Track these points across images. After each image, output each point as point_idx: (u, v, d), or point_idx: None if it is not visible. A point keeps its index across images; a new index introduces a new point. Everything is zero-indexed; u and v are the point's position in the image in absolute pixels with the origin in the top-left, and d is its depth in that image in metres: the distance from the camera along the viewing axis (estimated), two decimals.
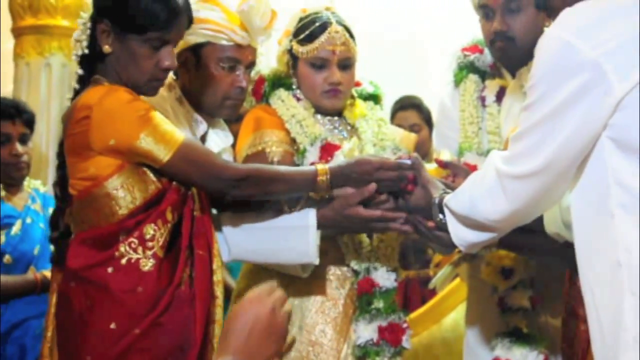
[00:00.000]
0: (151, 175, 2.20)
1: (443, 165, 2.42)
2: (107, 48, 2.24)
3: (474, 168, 2.63)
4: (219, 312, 2.25)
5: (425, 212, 2.19)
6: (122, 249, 2.15)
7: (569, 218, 1.88)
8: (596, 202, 1.69)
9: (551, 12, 1.86)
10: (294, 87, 2.75)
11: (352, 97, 2.80)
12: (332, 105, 2.72)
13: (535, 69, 1.74)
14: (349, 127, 2.78)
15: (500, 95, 2.77)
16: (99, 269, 2.15)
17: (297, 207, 2.45)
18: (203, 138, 2.59)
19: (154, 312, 2.12)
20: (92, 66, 2.28)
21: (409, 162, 2.35)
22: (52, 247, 2.41)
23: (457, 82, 2.85)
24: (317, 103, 2.73)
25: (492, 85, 2.78)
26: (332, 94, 2.69)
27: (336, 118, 2.77)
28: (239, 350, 1.52)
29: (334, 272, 2.66)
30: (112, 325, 2.11)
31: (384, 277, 2.62)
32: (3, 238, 3.04)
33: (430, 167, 2.39)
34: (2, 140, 3.13)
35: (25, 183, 3.27)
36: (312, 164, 2.54)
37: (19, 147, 3.15)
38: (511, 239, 2.09)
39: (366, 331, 2.56)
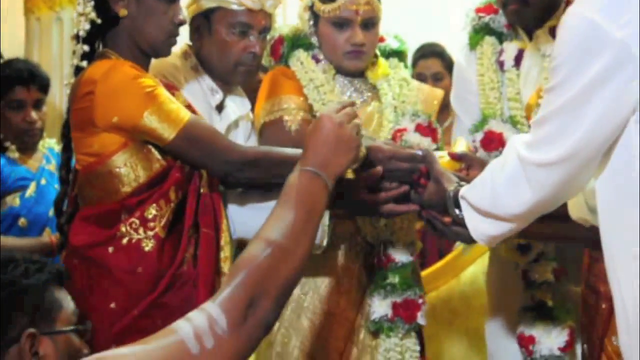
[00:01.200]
0: (156, 153, 2.17)
1: (456, 157, 2.32)
2: (123, 11, 2.21)
3: (499, 136, 2.60)
4: (226, 268, 2.22)
5: (439, 207, 2.09)
6: (123, 229, 2.15)
7: (593, 202, 1.80)
8: (622, 189, 1.62)
9: None
10: (314, 46, 2.68)
11: (375, 55, 2.72)
12: (354, 66, 2.66)
13: (558, 48, 1.65)
14: (370, 88, 2.72)
15: (518, 59, 2.67)
16: (100, 249, 2.15)
17: None
18: (220, 107, 2.55)
19: (154, 293, 2.12)
20: (96, 40, 2.24)
21: (420, 153, 2.26)
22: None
23: (473, 45, 2.73)
24: (338, 64, 2.66)
25: (510, 49, 2.67)
26: (354, 55, 2.62)
27: (357, 79, 2.71)
28: (315, 161, 1.79)
29: (349, 243, 2.62)
30: (112, 305, 2.12)
31: (400, 252, 2.58)
32: (17, 201, 3.03)
33: (443, 161, 2.30)
34: (16, 106, 3.09)
35: (40, 143, 3.23)
36: None
37: (33, 114, 3.11)
38: (533, 228, 1.97)
39: (381, 307, 2.53)
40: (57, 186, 3.01)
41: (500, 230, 1.88)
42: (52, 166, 3.18)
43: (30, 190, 3.06)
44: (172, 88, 2.34)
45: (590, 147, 1.63)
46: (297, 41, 2.70)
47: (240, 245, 2.31)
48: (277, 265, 1.61)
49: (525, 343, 2.58)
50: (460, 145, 2.44)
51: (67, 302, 1.83)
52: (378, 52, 2.75)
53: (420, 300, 2.55)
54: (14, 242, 2.96)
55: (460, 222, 2.01)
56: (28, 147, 3.16)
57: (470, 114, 2.70)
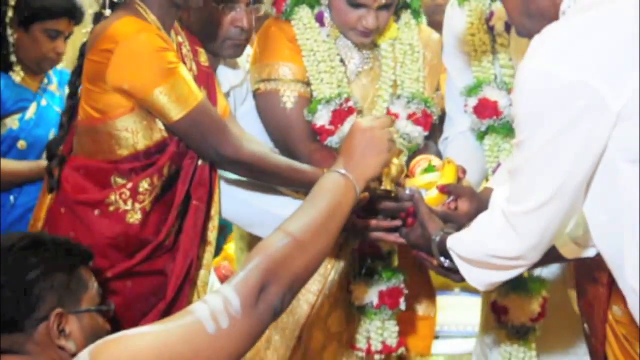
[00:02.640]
0: (159, 124, 2.17)
1: (445, 190, 2.29)
2: None
3: (493, 104, 2.57)
4: (208, 257, 2.29)
5: (426, 250, 2.11)
6: (112, 197, 2.17)
7: (574, 233, 1.86)
8: (615, 216, 1.63)
9: None
10: (321, 3, 2.58)
11: None
12: (361, 42, 2.59)
13: (516, 105, 1.65)
14: (374, 52, 2.64)
15: (508, 24, 2.56)
16: (86, 208, 2.17)
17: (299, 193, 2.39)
18: None
19: (130, 261, 2.16)
20: None
21: (407, 190, 2.26)
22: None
23: (461, 1, 2.63)
24: (344, 33, 2.58)
25: (501, 12, 2.53)
26: (363, 34, 2.54)
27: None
28: (345, 163, 1.90)
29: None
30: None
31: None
32: (17, 123, 3.00)
33: (431, 195, 2.28)
34: (53, 35, 3.01)
35: None
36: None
37: (63, 46, 3.05)
38: None
39: (366, 294, 2.57)
40: (58, 108, 3.03)
41: (500, 277, 1.88)
42: (53, 86, 3.14)
43: (30, 112, 3.03)
44: (196, 44, 2.33)
45: (571, 184, 1.63)
46: None
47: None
48: (291, 256, 1.69)
49: (498, 312, 2.66)
50: (449, 172, 2.35)
51: (92, 283, 1.90)
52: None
53: (402, 286, 2.59)
54: (13, 165, 2.97)
55: (447, 268, 2.03)
56: (38, 72, 3.10)
57: (463, 75, 2.65)
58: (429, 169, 2.37)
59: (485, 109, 2.59)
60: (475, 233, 1.88)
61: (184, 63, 2.19)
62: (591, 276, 2.26)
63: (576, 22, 1.62)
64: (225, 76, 2.57)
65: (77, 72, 2.24)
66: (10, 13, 2.94)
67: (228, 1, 2.43)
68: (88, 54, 2.14)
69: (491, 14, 2.60)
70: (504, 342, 2.67)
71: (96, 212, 2.17)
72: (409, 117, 2.58)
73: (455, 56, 2.67)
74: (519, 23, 1.82)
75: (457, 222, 2.21)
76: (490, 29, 2.60)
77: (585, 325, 2.41)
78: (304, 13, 2.58)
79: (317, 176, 2.21)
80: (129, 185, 2.16)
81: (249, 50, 2.62)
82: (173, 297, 2.21)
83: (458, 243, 1.95)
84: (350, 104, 2.52)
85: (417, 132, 2.59)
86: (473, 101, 2.60)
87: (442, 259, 2.02)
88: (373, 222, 2.30)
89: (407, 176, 2.38)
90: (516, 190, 1.71)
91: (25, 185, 3.00)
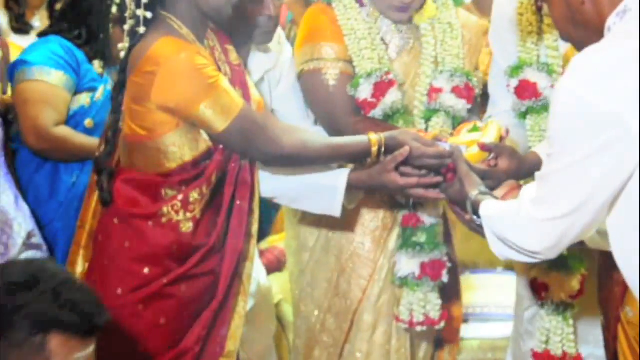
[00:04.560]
0: (203, 134, 2.22)
1: (486, 148, 2.34)
2: None
3: (533, 86, 2.60)
4: (252, 250, 2.34)
5: (462, 205, 2.15)
6: (165, 209, 2.22)
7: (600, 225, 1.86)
8: (636, 241, 1.65)
9: None
10: None
11: None
12: (399, 18, 2.67)
13: (551, 122, 1.70)
14: (415, 32, 2.71)
15: None
16: (140, 220, 2.23)
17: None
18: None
19: (185, 266, 2.22)
20: (157, 5, 2.22)
21: (448, 146, 2.30)
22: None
23: None
24: (383, 12, 2.66)
25: None
26: (402, 9, 2.62)
27: (402, 23, 2.69)
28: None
29: (378, 194, 2.67)
30: (146, 271, 2.21)
31: (428, 213, 2.66)
32: (89, 101, 3.05)
33: (472, 151, 2.32)
34: None
35: None
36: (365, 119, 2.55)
37: None
38: None
39: (408, 265, 2.63)
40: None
41: (519, 258, 1.89)
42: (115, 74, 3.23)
43: (99, 93, 3.08)
44: (225, 42, 2.38)
45: (595, 202, 1.66)
46: None
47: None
48: None
49: (538, 289, 2.69)
50: (492, 130, 2.41)
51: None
52: None
53: (446, 259, 2.65)
54: (82, 139, 3.02)
55: (479, 225, 2.04)
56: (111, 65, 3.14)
57: (508, 56, 2.67)
58: (474, 129, 2.42)
59: (526, 90, 2.62)
60: (503, 217, 1.91)
61: (219, 68, 2.25)
62: (610, 273, 2.32)
63: (618, 49, 1.62)
64: (259, 61, 2.63)
65: (118, 88, 2.28)
66: (114, 10, 2.97)
67: None
68: (131, 76, 2.20)
69: None
70: (542, 319, 2.70)
71: (150, 223, 2.23)
72: (453, 90, 2.65)
73: (501, 35, 2.70)
74: (563, 30, 1.84)
75: (496, 179, 2.26)
76: (539, 10, 2.63)
77: (602, 318, 2.50)
78: None
79: (359, 145, 2.32)
80: (180, 197, 2.22)
81: (279, 33, 2.69)
82: (224, 294, 2.28)
83: (488, 214, 1.98)
84: (391, 76, 2.61)
85: (461, 105, 2.65)
86: (514, 82, 2.64)
87: (474, 217, 2.06)
88: (413, 180, 2.34)
89: (451, 135, 2.44)
90: (542, 196, 1.74)
91: (87, 163, 3.02)
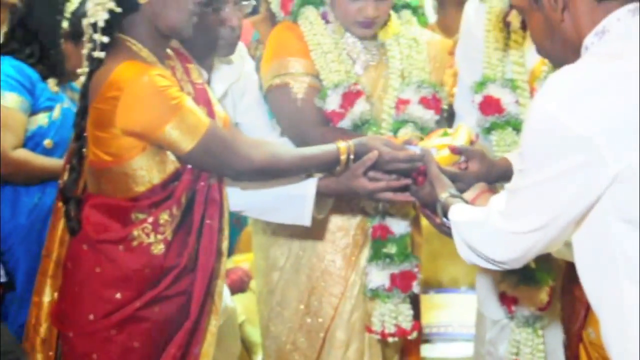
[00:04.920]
0: (170, 155, 2.19)
1: (456, 151, 2.34)
2: None
3: (497, 101, 2.61)
4: (222, 267, 2.31)
5: (432, 208, 2.14)
6: (135, 232, 2.19)
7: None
8: (600, 262, 1.65)
9: None
10: (325, 2, 2.68)
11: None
12: (363, 34, 2.69)
13: (524, 139, 1.68)
14: (380, 48, 2.74)
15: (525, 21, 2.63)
16: (110, 246, 2.20)
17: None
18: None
19: (157, 288, 2.20)
20: (114, 29, 2.20)
21: (418, 149, 2.32)
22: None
23: None
24: (347, 28, 2.68)
25: None
26: (365, 25, 2.64)
27: (367, 39, 2.72)
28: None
29: (347, 203, 2.70)
30: (117, 295, 2.19)
31: (398, 224, 2.67)
32: (46, 121, 3.02)
33: (443, 154, 2.33)
34: None
35: None
36: (334, 128, 2.54)
37: None
38: None
39: (378, 277, 2.64)
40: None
41: (485, 265, 1.88)
42: (69, 91, 3.17)
43: (57, 112, 3.05)
44: (186, 61, 2.36)
45: (561, 220, 1.66)
46: None
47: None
48: None
49: (508, 303, 2.69)
50: (462, 134, 2.42)
51: None
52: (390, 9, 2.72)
53: (416, 270, 2.66)
54: (43, 161, 3.00)
55: (449, 228, 2.02)
56: (65, 82, 3.13)
57: (473, 72, 2.68)
58: (444, 134, 2.43)
59: (489, 105, 2.64)
60: (471, 224, 1.89)
61: (181, 87, 2.24)
62: (572, 289, 2.33)
63: (596, 72, 1.61)
64: (223, 74, 2.62)
65: (81, 113, 2.25)
66: (65, 25, 2.97)
67: (216, 2, 2.48)
68: (93, 102, 2.18)
69: (509, 9, 2.64)
70: (513, 331, 2.70)
71: (120, 247, 2.20)
72: (420, 101, 2.67)
73: (468, 53, 2.72)
74: (540, 44, 1.82)
75: (466, 182, 2.27)
76: (507, 26, 2.66)
77: (564, 335, 2.50)
78: (309, 12, 2.69)
79: (328, 154, 2.31)
80: (150, 219, 2.20)
81: (240, 46, 2.68)
82: (197, 313, 2.26)
83: (457, 219, 1.96)
84: (358, 87, 2.63)
85: (429, 115, 2.67)
86: (479, 98, 2.65)
87: (444, 219, 2.05)
88: (382, 183, 2.35)
89: (421, 140, 2.45)
90: (510, 209, 1.73)
91: (48, 185, 3.01)
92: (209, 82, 2.57)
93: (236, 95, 2.68)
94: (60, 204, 2.32)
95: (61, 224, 2.32)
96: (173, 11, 2.19)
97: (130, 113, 2.12)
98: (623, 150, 1.55)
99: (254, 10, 2.77)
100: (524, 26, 2.64)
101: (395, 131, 2.66)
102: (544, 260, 2.61)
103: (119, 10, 2.18)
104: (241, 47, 2.70)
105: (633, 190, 1.57)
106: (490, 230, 1.78)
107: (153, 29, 2.21)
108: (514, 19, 2.64)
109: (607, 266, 1.63)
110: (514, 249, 1.75)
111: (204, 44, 2.50)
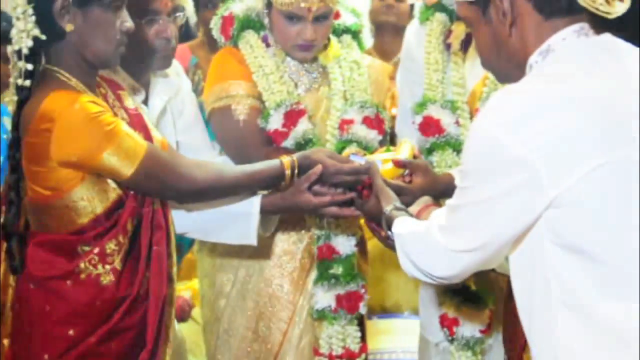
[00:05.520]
0: (111, 183, 2.15)
1: (400, 164, 2.37)
2: (69, 26, 2.12)
3: (437, 122, 2.63)
4: (174, 294, 2.28)
5: (378, 220, 2.15)
6: (82, 265, 2.14)
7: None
8: (536, 288, 1.65)
9: None
10: (265, 27, 2.68)
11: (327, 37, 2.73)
12: (303, 57, 2.69)
13: (464, 157, 1.69)
14: (321, 71, 2.75)
15: (466, 42, 2.65)
16: (58, 281, 2.15)
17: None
18: (145, 102, 2.54)
19: (111, 321, 2.15)
20: (38, 57, 2.15)
21: (363, 161, 2.33)
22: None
23: (423, 19, 2.71)
24: (287, 52, 2.68)
25: (459, 31, 2.64)
26: (304, 48, 2.64)
27: (308, 62, 2.73)
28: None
29: (293, 227, 2.69)
30: (70, 332, 2.14)
31: (344, 244, 2.65)
32: None
33: (387, 168, 2.35)
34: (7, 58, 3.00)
35: None
36: (276, 145, 2.55)
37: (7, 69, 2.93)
38: None
39: (324, 298, 2.62)
40: (5, 136, 2.97)
41: (424, 279, 1.89)
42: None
43: None
44: (117, 88, 2.33)
45: (498, 241, 1.67)
46: (248, 22, 2.69)
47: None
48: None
49: (449, 324, 2.68)
50: (405, 148, 2.44)
51: None
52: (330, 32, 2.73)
53: (363, 291, 2.65)
54: None
55: (394, 242, 2.02)
56: None
57: (414, 95, 2.70)
58: (387, 150, 2.46)
59: (430, 126, 2.65)
60: (412, 238, 1.90)
61: (115, 114, 2.20)
62: (514, 313, 2.29)
63: (538, 94, 1.61)
64: (160, 89, 2.61)
65: (15, 145, 2.19)
66: None
67: (150, 14, 2.47)
68: (25, 136, 2.13)
69: (449, 32, 2.68)
70: (452, 355, 2.69)
71: (68, 282, 2.15)
72: (364, 121, 2.68)
73: (408, 76, 2.75)
74: (487, 59, 1.82)
75: (411, 195, 2.27)
76: (447, 47, 2.68)
77: (506, 356, 2.45)
78: (250, 36, 2.70)
79: (272, 169, 2.31)
80: (96, 250, 2.15)
81: (176, 64, 2.68)
82: (153, 343, 2.21)
83: (399, 231, 1.96)
84: (301, 106, 2.63)
85: (373, 135, 2.67)
86: (419, 118, 2.67)
87: (389, 232, 2.04)
88: (327, 198, 2.35)
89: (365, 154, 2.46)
90: (450, 226, 1.74)
91: None
92: (146, 99, 2.54)
93: (175, 112, 2.66)
94: (1, 243, 2.24)
95: (3, 266, 2.24)
96: (100, 41, 2.16)
97: (64, 144, 2.07)
98: (561, 175, 1.55)
99: (192, 35, 2.73)
100: (464, 47, 2.67)
101: (339, 151, 2.65)
102: (485, 282, 2.64)
103: (43, 37, 2.12)
104: (177, 64, 2.69)
105: (569, 216, 1.57)
106: (430, 244, 1.78)
107: (81, 58, 2.16)
108: (454, 40, 2.67)
109: (540, 289, 1.63)
110: (452, 265, 1.76)
111: (139, 58, 2.47)
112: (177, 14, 2.53)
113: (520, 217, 1.61)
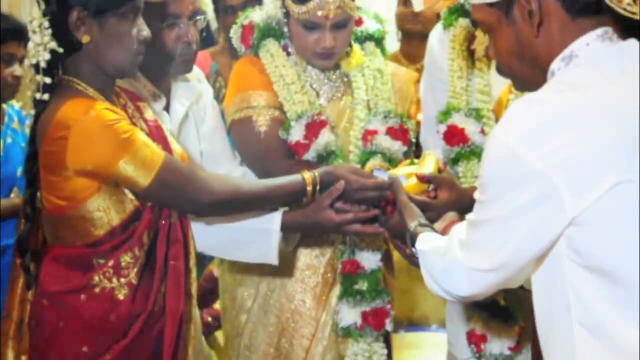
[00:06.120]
0: (128, 194, 2.12)
1: (424, 179, 2.31)
2: (85, 38, 2.09)
3: (461, 131, 2.58)
4: (193, 311, 2.24)
5: (402, 237, 2.09)
6: (96, 278, 2.11)
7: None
8: (557, 306, 1.61)
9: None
10: (286, 35, 2.64)
11: (349, 44, 2.68)
12: (323, 65, 2.65)
13: (482, 169, 1.63)
14: (344, 79, 2.71)
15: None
16: (72, 295, 2.12)
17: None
18: (166, 109, 2.51)
19: (126, 338, 2.11)
20: (56, 69, 2.13)
21: (386, 176, 2.28)
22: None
23: (446, 25, 2.65)
24: (308, 61, 2.64)
25: (482, 37, 2.56)
26: (323, 56, 2.60)
27: (330, 70, 2.69)
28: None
29: (315, 241, 2.65)
30: (84, 349, 2.11)
31: (369, 259, 2.61)
32: None
33: (411, 183, 2.30)
34: (8, 59, 2.98)
35: None
36: (298, 161, 2.51)
37: (20, 70, 2.99)
38: None
39: (349, 315, 2.57)
40: (23, 144, 2.99)
41: (447, 297, 1.83)
42: (15, 123, 3.11)
43: None
44: (137, 99, 2.30)
45: (520, 259, 1.61)
46: (268, 30, 2.66)
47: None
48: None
49: (477, 340, 2.62)
50: (429, 162, 2.38)
51: None
52: (352, 39, 2.70)
53: (389, 307, 2.59)
54: None
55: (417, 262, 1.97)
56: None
57: (438, 103, 2.65)
58: (411, 163, 2.40)
59: (454, 135, 2.60)
60: (433, 254, 1.84)
61: (134, 124, 2.17)
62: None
63: (559, 104, 1.55)
64: (182, 94, 2.57)
65: (31, 159, 2.17)
66: None
67: (170, 18, 2.43)
68: (42, 145, 2.10)
69: (473, 37, 2.63)
70: None
71: (82, 297, 2.12)
72: (387, 131, 2.63)
73: (432, 83, 2.68)
74: (506, 64, 1.73)
75: (436, 211, 2.24)
76: (471, 54, 2.63)
77: None
78: (270, 45, 2.66)
79: (293, 185, 2.26)
80: (111, 262, 2.11)
81: (197, 71, 2.66)
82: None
83: (422, 248, 1.91)
84: (322, 117, 2.59)
85: (397, 146, 2.63)
86: (443, 127, 2.61)
87: (414, 249, 1.99)
88: (349, 216, 2.30)
89: (388, 169, 2.42)
90: (470, 242, 1.69)
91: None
92: (167, 106, 2.50)
93: (198, 120, 2.62)
94: (18, 258, 2.21)
95: (20, 281, 2.21)
96: (117, 51, 2.13)
97: (80, 152, 2.04)
98: (582, 192, 1.50)
99: (213, 41, 2.70)
100: (489, 54, 2.55)
101: (363, 163, 2.61)
102: (515, 298, 2.56)
103: (60, 50, 2.10)
104: (198, 70, 2.66)
105: (589, 235, 1.52)
106: (450, 261, 1.73)
107: (98, 69, 2.14)
108: (479, 46, 2.61)
109: (560, 308, 1.59)
110: (473, 284, 1.70)
111: (160, 63, 2.45)
112: (198, 17, 2.50)
113: (540, 235, 1.56)
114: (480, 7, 1.73)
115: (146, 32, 2.14)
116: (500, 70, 1.85)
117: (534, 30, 1.65)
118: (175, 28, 2.45)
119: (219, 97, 2.80)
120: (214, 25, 3.78)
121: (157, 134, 2.24)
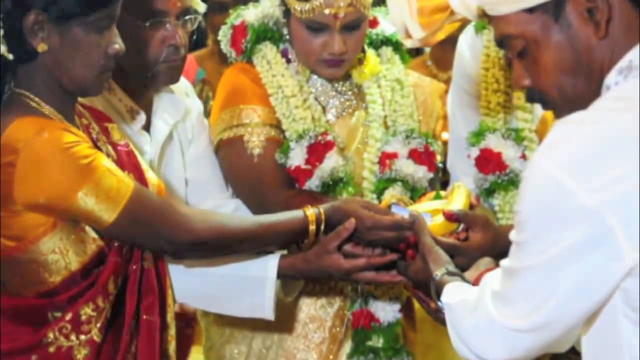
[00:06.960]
0: (91, 232, 1.91)
1: (453, 218, 2.09)
2: (42, 46, 1.87)
3: (497, 156, 2.38)
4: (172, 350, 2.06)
5: (425, 288, 1.91)
6: (51, 334, 1.91)
7: None
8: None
9: None
10: (285, 39, 2.38)
11: (362, 49, 2.40)
12: (331, 75, 2.37)
13: (522, 202, 1.47)
14: (356, 91, 2.44)
15: None
16: (21, 357, 1.90)
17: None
18: (147, 127, 2.26)
19: None
20: (4, 79, 1.92)
21: (406, 213, 2.05)
22: None
23: (479, 28, 2.44)
24: (312, 69, 2.36)
25: None
26: (332, 64, 2.32)
27: (340, 81, 2.41)
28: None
29: (321, 288, 2.38)
30: None
31: (385, 309, 2.35)
32: None
33: (437, 221, 2.09)
34: None
35: None
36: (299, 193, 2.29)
37: None
38: None
39: None
40: None
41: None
42: None
43: None
44: (104, 119, 2.09)
45: (565, 319, 1.47)
46: (264, 32, 2.40)
47: None
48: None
49: None
50: (459, 195, 2.16)
51: None
52: (366, 44, 2.43)
53: None
54: None
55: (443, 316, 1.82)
56: None
57: (468, 121, 2.46)
58: (436, 197, 2.19)
59: (488, 161, 2.42)
60: (461, 307, 1.68)
61: (99, 149, 1.96)
62: None
63: (613, 126, 1.41)
64: (165, 109, 2.32)
65: None
66: None
67: (154, 16, 2.16)
68: None
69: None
70: None
71: (34, 358, 1.92)
72: (410, 154, 2.39)
73: (462, 96, 2.48)
74: (554, 85, 1.56)
75: (467, 256, 2.05)
76: (508, 64, 2.33)
77: None
78: (267, 50, 2.41)
79: (292, 222, 2.09)
80: (68, 316, 1.91)
81: (185, 83, 2.42)
82: None
83: (449, 300, 1.74)
84: (329, 137, 2.32)
85: (422, 172, 2.38)
86: (475, 151, 2.41)
87: (439, 303, 1.82)
88: (361, 261, 2.10)
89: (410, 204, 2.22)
90: (506, 293, 1.54)
91: None
92: (148, 124, 2.29)
93: (184, 140, 2.38)
94: None
95: None
96: (78, 65, 1.93)
97: (30, 181, 1.85)
98: None
99: (200, 43, 2.40)
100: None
101: (379, 192, 2.38)
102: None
103: (10, 57, 1.89)
104: (185, 82, 2.42)
105: None
106: (482, 318, 1.59)
107: (55, 83, 1.95)
108: None
109: None
110: (509, 348, 1.55)
111: (140, 71, 2.22)
112: (188, 17, 2.22)
113: (591, 289, 1.42)
114: (516, 17, 1.56)
115: (118, 45, 1.93)
116: (533, 98, 1.61)
117: (599, 31, 1.49)
118: (160, 29, 2.19)
119: (205, 111, 2.50)
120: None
121: (127, 161, 2.06)
